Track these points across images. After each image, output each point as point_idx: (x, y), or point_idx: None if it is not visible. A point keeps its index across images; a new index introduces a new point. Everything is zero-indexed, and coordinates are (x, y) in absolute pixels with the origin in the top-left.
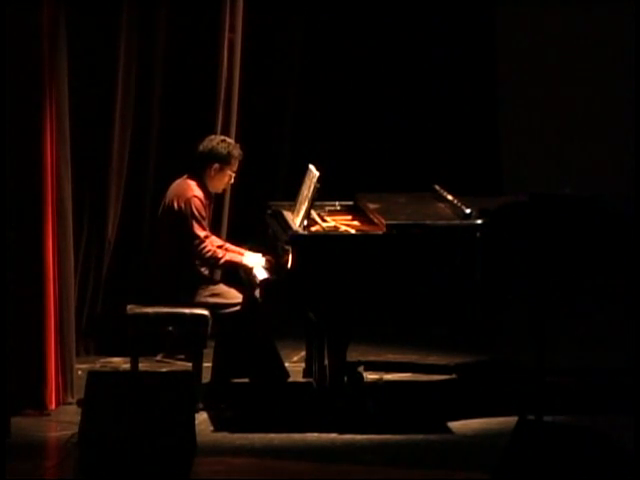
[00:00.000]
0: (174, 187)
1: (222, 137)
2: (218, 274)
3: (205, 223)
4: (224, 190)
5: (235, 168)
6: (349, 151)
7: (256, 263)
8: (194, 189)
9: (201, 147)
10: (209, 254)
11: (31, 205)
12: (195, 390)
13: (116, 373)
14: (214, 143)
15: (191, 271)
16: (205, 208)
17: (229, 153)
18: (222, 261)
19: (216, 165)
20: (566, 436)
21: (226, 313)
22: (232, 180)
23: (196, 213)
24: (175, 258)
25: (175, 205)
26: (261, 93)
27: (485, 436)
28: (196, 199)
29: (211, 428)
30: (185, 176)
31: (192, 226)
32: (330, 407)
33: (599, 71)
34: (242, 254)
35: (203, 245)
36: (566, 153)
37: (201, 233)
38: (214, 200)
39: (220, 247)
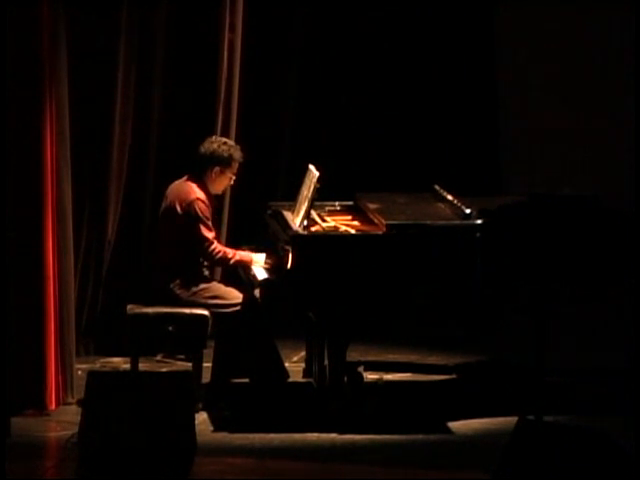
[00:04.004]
0: (175, 189)
1: (223, 139)
2: (218, 274)
3: (210, 224)
4: (224, 191)
5: (235, 170)
6: (349, 151)
7: (261, 261)
8: (196, 191)
9: (202, 149)
10: (220, 255)
11: (31, 205)
12: (195, 390)
13: (116, 373)
14: (215, 146)
15: (194, 272)
16: (208, 209)
17: (230, 156)
18: (232, 261)
19: (217, 168)
20: (566, 436)
21: (226, 313)
22: (232, 182)
23: (201, 215)
24: (178, 260)
25: (178, 208)
26: (261, 93)
27: (485, 436)
28: (199, 201)
29: (211, 428)
30: (185, 178)
31: (200, 229)
32: (330, 407)
33: (599, 71)
34: (250, 256)
35: (213, 247)
36: (566, 153)
37: (209, 235)
38: (214, 200)
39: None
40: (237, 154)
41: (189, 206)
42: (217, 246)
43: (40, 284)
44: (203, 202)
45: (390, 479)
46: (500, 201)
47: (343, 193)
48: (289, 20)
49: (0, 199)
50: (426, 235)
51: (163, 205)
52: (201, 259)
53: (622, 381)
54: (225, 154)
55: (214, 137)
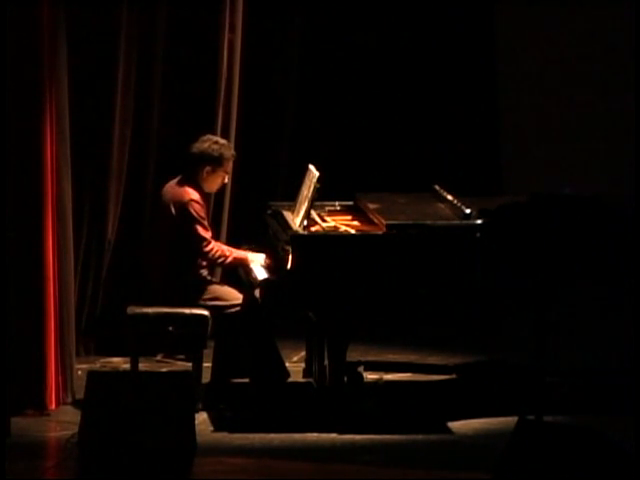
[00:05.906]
0: (169, 191)
1: (215, 138)
2: (218, 275)
3: (206, 224)
4: (219, 189)
5: (228, 169)
6: (349, 151)
7: (260, 261)
8: (190, 193)
9: (193, 149)
10: (218, 254)
11: (31, 205)
12: (195, 390)
13: (116, 373)
14: (205, 145)
15: (192, 273)
16: (203, 209)
17: (221, 155)
18: (229, 260)
19: (208, 167)
20: (566, 436)
21: (226, 313)
22: (226, 180)
23: (197, 216)
24: (176, 261)
25: (173, 210)
26: (261, 93)
27: (485, 436)
28: (194, 202)
29: (211, 428)
30: (177, 179)
31: (196, 229)
32: (330, 407)
33: (599, 71)
34: (246, 255)
35: (211, 246)
36: (566, 153)
37: (207, 235)
38: (212, 199)
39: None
40: (228, 152)
41: (184, 208)
42: (215, 246)
43: (40, 284)
44: (197, 202)
45: (390, 479)
46: (500, 201)
47: (343, 193)
48: (289, 20)
49: (0, 199)
50: (426, 235)
51: (158, 208)
52: (199, 260)
53: (622, 381)
54: (215, 153)
55: (206, 136)
